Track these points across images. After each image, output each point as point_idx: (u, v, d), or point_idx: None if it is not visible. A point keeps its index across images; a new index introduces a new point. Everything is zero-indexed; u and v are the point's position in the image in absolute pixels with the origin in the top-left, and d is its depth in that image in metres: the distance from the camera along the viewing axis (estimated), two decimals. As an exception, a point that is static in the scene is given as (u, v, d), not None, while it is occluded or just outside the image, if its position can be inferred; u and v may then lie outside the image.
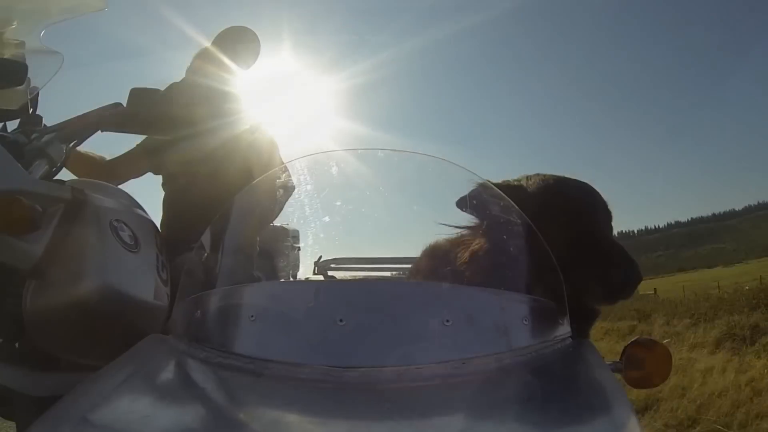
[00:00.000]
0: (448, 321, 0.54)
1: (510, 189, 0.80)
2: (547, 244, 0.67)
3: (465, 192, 0.78)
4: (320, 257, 2.43)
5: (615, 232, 0.85)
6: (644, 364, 0.68)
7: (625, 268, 0.72)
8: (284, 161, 1.35)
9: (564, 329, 0.64)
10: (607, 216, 0.80)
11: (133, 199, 1.11)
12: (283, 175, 0.95)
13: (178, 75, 1.54)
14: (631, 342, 0.71)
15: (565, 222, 0.75)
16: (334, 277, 2.32)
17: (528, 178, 0.85)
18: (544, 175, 0.84)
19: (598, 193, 0.82)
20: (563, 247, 0.70)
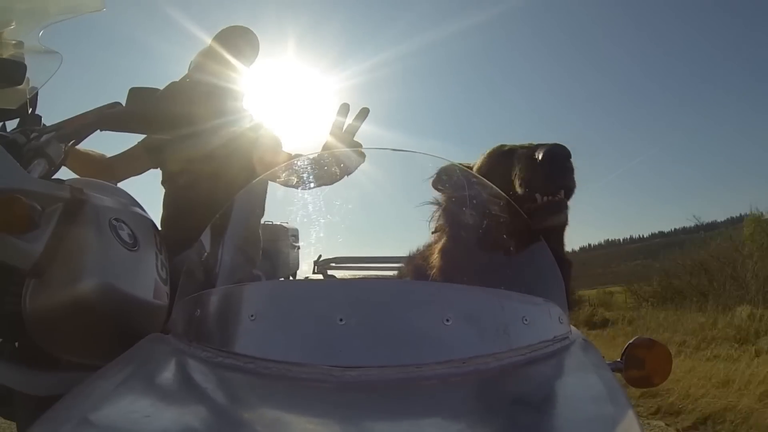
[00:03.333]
0: (448, 320, 0.54)
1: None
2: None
3: (465, 191, 0.79)
4: (320, 256, 2.43)
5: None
6: (644, 363, 0.69)
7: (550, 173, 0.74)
8: (287, 159, 1.34)
9: (564, 328, 0.64)
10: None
11: (132, 197, 1.11)
12: (284, 173, 0.95)
13: (180, 71, 1.53)
14: (631, 342, 0.71)
15: (507, 172, 0.79)
16: (334, 276, 2.32)
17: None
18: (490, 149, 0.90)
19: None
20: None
